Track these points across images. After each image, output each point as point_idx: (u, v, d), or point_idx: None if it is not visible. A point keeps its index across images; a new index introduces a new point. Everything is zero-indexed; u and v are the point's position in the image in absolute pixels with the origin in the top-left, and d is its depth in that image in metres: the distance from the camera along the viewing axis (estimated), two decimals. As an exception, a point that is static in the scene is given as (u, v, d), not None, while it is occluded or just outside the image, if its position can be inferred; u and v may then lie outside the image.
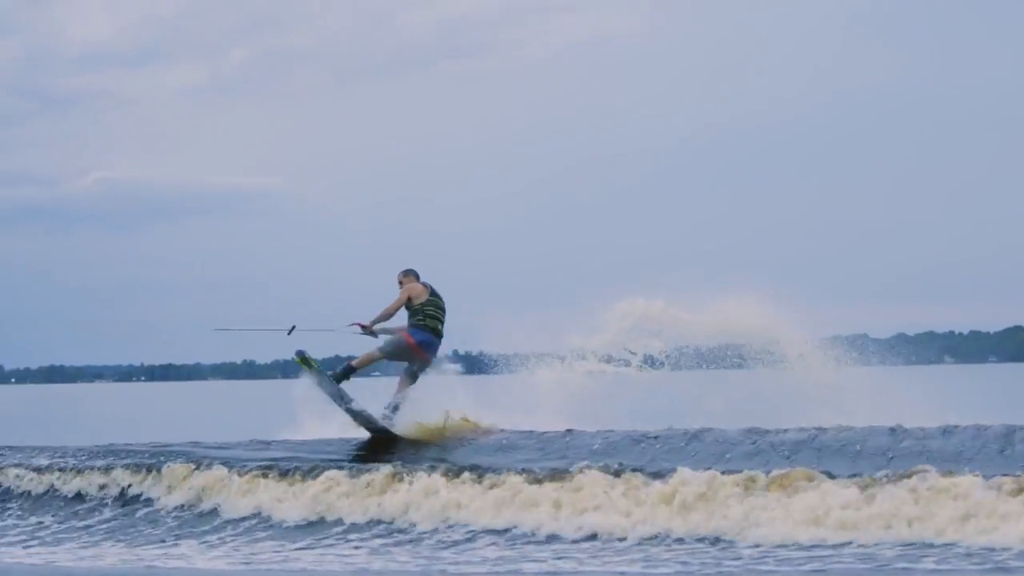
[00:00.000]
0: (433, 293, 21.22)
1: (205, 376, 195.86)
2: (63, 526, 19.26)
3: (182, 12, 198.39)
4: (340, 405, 21.22)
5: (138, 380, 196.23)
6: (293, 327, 21.31)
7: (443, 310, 21.22)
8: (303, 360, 21.27)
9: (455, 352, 22.19)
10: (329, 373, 21.29)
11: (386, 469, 17.96)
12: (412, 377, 21.21)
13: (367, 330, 21.22)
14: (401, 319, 21.40)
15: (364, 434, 21.38)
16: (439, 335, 21.14)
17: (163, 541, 17.75)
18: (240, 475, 18.95)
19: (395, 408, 21.09)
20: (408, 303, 21.19)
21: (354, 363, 21.24)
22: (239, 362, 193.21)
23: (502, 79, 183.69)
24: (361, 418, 21.18)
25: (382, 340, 21.27)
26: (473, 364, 22.85)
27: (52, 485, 20.65)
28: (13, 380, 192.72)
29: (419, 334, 21.00)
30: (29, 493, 20.71)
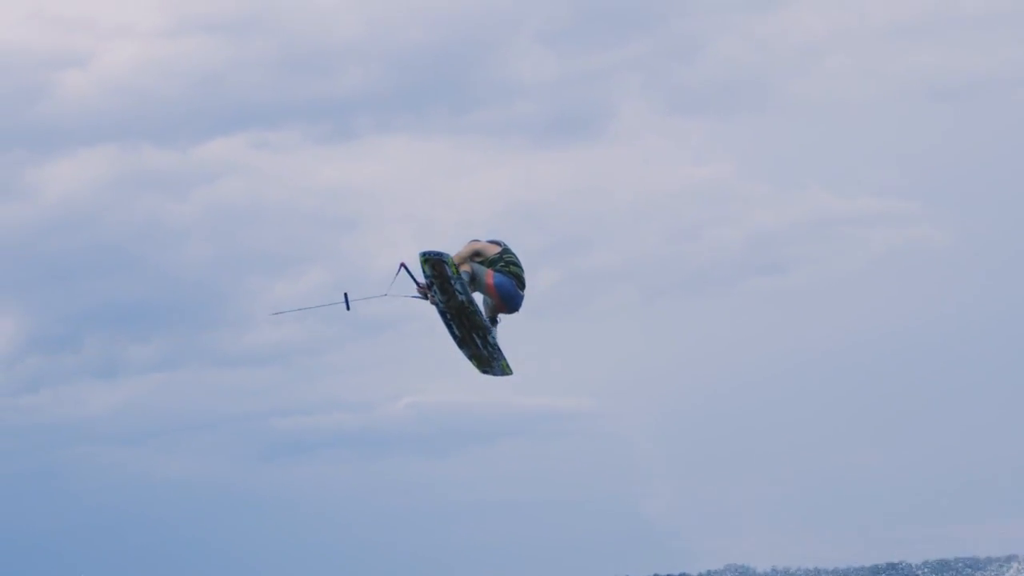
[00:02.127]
0: (507, 250, 20.36)
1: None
2: None
3: (492, 236, 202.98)
4: (461, 294, 19.90)
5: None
6: (346, 296, 20.13)
7: (522, 266, 20.27)
8: (431, 261, 19.65)
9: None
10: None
11: None
12: (491, 319, 20.37)
13: (440, 252, 19.97)
14: None
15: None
16: (522, 284, 20.18)
17: None
18: None
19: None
20: (478, 259, 20.28)
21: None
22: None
23: (809, 294, 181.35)
24: (472, 320, 20.11)
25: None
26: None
27: None
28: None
29: (499, 276, 20.02)
30: None
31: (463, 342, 20.37)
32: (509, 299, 20.06)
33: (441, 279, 19.83)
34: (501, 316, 20.47)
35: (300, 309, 21.21)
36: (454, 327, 20.30)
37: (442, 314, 20.20)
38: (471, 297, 20.01)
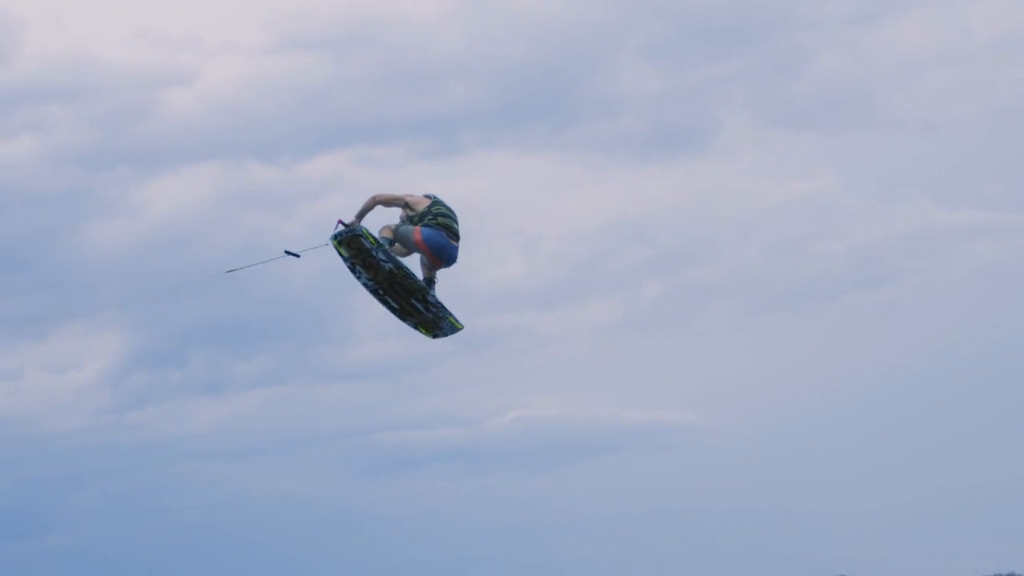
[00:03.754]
0: (437, 202, 19.18)
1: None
2: None
3: (596, 251, 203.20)
4: (388, 260, 18.89)
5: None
6: (289, 252, 18.94)
7: (454, 217, 19.10)
8: (345, 241, 18.75)
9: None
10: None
11: None
12: (429, 279, 19.29)
13: (350, 225, 19.04)
14: None
15: None
16: (454, 235, 19.03)
17: None
18: None
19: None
20: (409, 211, 19.21)
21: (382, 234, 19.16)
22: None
23: (913, 306, 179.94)
24: (400, 274, 19.02)
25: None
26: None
27: None
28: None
29: (427, 230, 18.91)
30: None
31: (404, 313, 19.48)
32: (441, 251, 19.11)
33: (362, 255, 18.99)
34: (439, 273, 19.55)
35: (253, 264, 19.68)
36: (390, 300, 19.39)
37: (373, 292, 19.26)
38: (398, 262, 19.08)
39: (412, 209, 19.29)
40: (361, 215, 19.15)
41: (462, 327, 19.69)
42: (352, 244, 18.85)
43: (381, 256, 18.90)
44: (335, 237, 18.86)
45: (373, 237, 18.92)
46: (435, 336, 19.85)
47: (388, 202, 19.31)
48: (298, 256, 19.06)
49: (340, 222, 19.12)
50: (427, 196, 19.41)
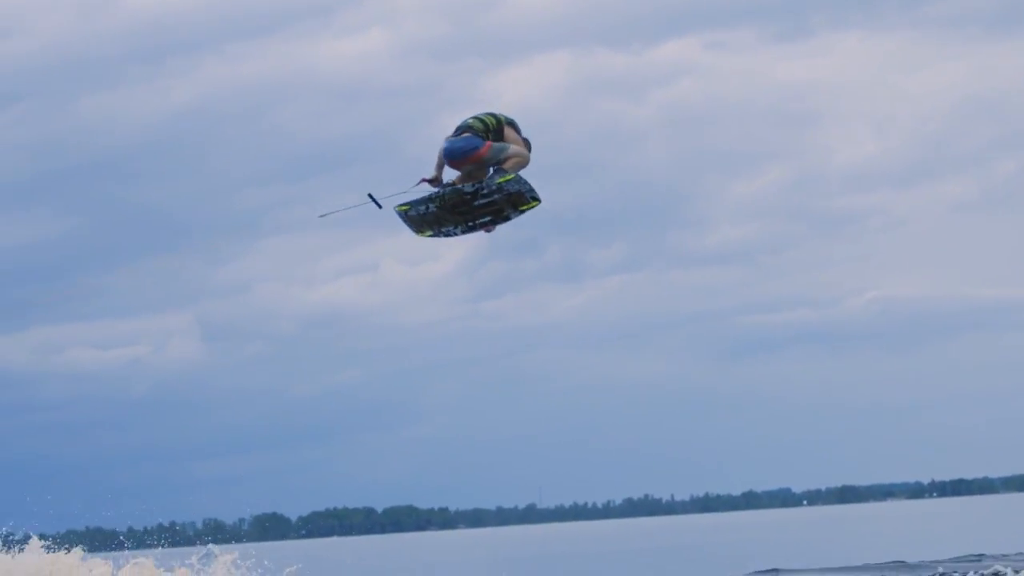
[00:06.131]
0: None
1: (996, 489, 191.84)
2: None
3: (949, 129, 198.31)
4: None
5: (929, 496, 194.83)
6: (371, 197, 19.33)
7: (475, 116, 19.19)
8: (409, 221, 19.40)
9: None
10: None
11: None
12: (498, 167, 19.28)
13: (435, 181, 19.33)
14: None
15: None
16: (463, 127, 19.07)
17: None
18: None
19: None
20: None
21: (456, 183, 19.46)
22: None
23: None
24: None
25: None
26: None
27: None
28: (804, 502, 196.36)
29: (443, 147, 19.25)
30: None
31: (499, 214, 19.24)
32: (448, 152, 19.12)
33: (423, 221, 19.37)
34: (499, 171, 19.17)
35: (345, 208, 19.96)
36: (485, 220, 19.31)
37: (473, 230, 19.40)
38: (429, 197, 19.28)
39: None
40: (441, 164, 19.34)
41: (513, 175, 19.18)
42: (414, 221, 19.37)
43: (421, 209, 19.32)
44: (416, 229, 19.36)
45: (402, 204, 19.34)
46: (532, 199, 19.30)
47: (441, 161, 19.38)
48: (379, 206, 19.38)
49: (423, 180, 19.39)
50: None
